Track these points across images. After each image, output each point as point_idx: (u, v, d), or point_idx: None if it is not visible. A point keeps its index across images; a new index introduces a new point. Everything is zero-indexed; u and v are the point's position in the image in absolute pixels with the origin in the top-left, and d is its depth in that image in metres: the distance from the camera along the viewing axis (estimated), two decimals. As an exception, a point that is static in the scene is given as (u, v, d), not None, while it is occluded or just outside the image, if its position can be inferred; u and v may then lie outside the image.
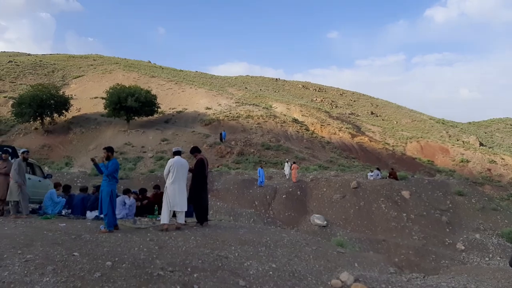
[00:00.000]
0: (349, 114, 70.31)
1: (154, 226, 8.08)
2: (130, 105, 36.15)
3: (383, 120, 74.52)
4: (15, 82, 50.03)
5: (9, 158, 9.29)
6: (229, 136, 37.29)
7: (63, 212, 9.57)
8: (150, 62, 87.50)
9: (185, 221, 8.25)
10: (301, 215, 20.04)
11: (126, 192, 9.94)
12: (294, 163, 25.01)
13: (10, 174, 8.82)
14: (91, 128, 38.55)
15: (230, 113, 44.91)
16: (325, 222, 18.14)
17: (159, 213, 9.66)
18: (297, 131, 44.12)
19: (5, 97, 43.47)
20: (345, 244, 8.72)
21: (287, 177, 24.26)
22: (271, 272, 5.35)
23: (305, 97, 78.79)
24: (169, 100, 48.26)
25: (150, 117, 40.54)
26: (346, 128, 50.64)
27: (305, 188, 22.23)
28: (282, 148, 36.61)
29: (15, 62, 60.40)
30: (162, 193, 10.85)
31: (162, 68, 77.44)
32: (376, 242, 16.46)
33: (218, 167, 29.49)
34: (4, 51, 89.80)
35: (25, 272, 4.39)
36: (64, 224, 7.87)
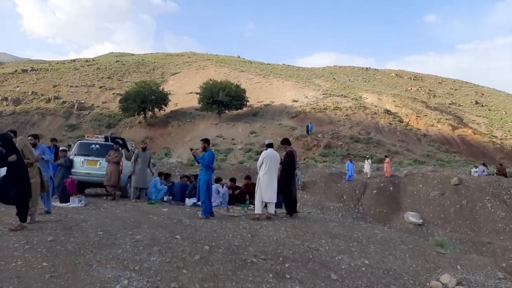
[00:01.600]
0: (449, 104, 64.31)
1: (246, 215, 8.39)
2: (221, 100, 37.79)
3: (489, 110, 66.72)
4: (122, 80, 55.44)
5: (120, 148, 10.38)
6: (316, 128, 36.88)
7: (165, 199, 10.47)
8: (239, 57, 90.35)
9: (275, 212, 8.41)
10: (394, 211, 19.06)
11: (218, 181, 10.48)
12: (386, 156, 23.81)
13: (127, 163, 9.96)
14: (187, 122, 41.20)
15: (317, 105, 44.35)
16: (421, 221, 17.01)
17: (250, 203, 10.01)
18: (390, 123, 41.84)
19: (113, 93, 48.48)
20: (445, 245, 8.06)
21: (368, 176, 23.05)
22: (363, 268, 5.20)
23: (399, 87, 74.09)
24: (257, 94, 49.33)
25: (239, 110, 41.91)
26: (446, 119, 46.48)
27: (399, 184, 21.06)
28: (373, 141, 35.09)
29: (121, 61, 67.04)
30: (253, 183, 11.24)
31: (251, 63, 79.36)
32: (480, 245, 14.96)
33: (304, 159, 29.41)
34: (112, 52, 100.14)
35: (135, 251, 4.89)
36: (167, 209, 8.60)
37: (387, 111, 45.62)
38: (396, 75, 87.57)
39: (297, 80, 59.22)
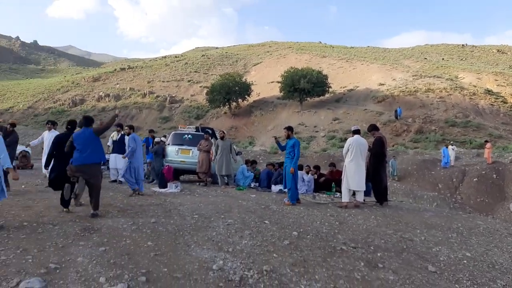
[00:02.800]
0: None
1: (333, 203, 8.27)
2: (303, 87, 37.45)
3: None
4: (208, 73, 57.97)
5: (209, 137, 10.92)
6: (405, 112, 34.66)
7: (252, 185, 10.79)
8: (320, 42, 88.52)
9: (364, 200, 8.15)
10: (497, 201, 17.25)
11: (300, 168, 10.46)
12: (486, 141, 21.52)
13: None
14: (269, 111, 41.72)
15: (407, 87, 41.58)
16: (531, 212, 15.16)
17: (337, 191, 9.84)
18: (491, 104, 37.62)
19: (200, 86, 50.95)
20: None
21: (451, 164, 20.85)
22: (465, 261, 4.80)
23: (501, 64, 66.00)
24: (340, 79, 47.92)
25: (321, 97, 41.14)
26: (559, 98, 40.34)
27: (503, 171, 18.94)
28: (472, 125, 31.91)
29: (206, 55, 70.08)
30: (338, 171, 11.02)
31: (333, 47, 77.25)
32: None
33: (393, 146, 27.93)
34: (198, 47, 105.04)
35: (228, 234, 5.13)
36: (254, 195, 8.86)
37: (488, 91, 41.02)
38: (498, 51, 77.99)
39: (383, 62, 56.15)
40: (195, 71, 58.97)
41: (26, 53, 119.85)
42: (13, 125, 9.17)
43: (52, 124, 10.10)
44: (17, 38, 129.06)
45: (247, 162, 12.27)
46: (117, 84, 53.62)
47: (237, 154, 11.78)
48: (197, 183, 11.17)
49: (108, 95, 47.88)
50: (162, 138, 12.19)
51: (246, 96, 42.67)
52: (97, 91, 50.28)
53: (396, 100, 38.34)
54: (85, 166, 5.96)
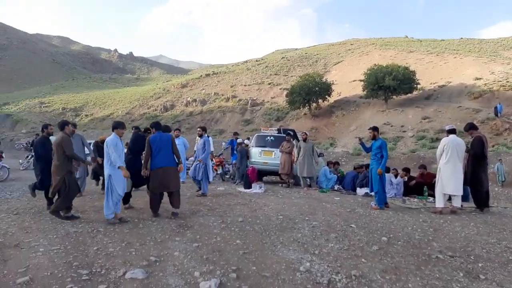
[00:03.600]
0: None
1: (426, 208, 7.75)
2: (388, 84, 35.65)
3: None
4: (287, 75, 58.23)
5: (291, 139, 10.96)
6: (507, 109, 31.05)
7: (335, 187, 10.57)
8: (407, 37, 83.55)
9: (461, 206, 7.50)
10: None
11: (387, 171, 9.94)
12: None
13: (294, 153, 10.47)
14: (351, 110, 40.49)
15: (507, 81, 37.23)
16: None
17: (429, 195, 9.19)
18: None
19: (280, 88, 51.35)
20: None
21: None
22: None
23: None
24: (429, 74, 44.66)
25: (409, 94, 38.73)
26: None
27: None
28: None
29: (286, 57, 70.44)
30: (429, 173, 10.29)
31: (420, 41, 72.36)
32: None
33: (493, 146, 25.22)
34: (278, 50, 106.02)
35: (314, 236, 5.09)
36: (338, 198, 8.67)
37: None
38: None
39: (479, 55, 51.04)
40: (275, 74, 59.66)
41: (123, 64, 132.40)
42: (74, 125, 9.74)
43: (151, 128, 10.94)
44: (115, 50, 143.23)
45: (329, 163, 12.06)
46: (203, 89, 56.52)
47: (319, 156, 11.65)
48: (280, 184, 11.28)
49: (195, 100, 50.70)
50: (246, 141, 12.55)
51: (326, 96, 41.95)
52: (185, 97, 53.56)
53: (495, 96, 34.54)
54: (166, 169, 6.11)
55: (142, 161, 6.53)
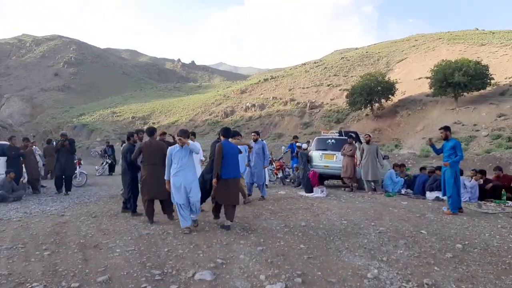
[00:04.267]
0: None
1: (504, 213, 7.13)
2: (458, 81, 33.25)
3: None
4: (347, 75, 56.81)
5: (353, 142, 10.66)
6: None
7: (402, 191, 10.09)
8: (477, 29, 77.61)
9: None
10: None
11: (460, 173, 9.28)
12: None
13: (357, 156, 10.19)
14: (417, 110, 38.42)
15: None
16: None
17: (508, 198, 8.46)
18: None
19: (340, 90, 50.22)
20: None
21: None
22: None
23: None
24: (505, 68, 40.98)
25: (481, 91, 35.78)
26: None
27: None
28: None
29: (345, 57, 68.81)
30: (506, 176, 9.47)
31: (493, 33, 66.76)
32: None
33: None
34: (337, 50, 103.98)
35: (381, 242, 4.91)
36: (406, 203, 8.28)
37: None
38: None
39: None
40: (334, 75, 58.51)
41: (186, 73, 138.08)
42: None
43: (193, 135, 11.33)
44: (179, 60, 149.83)
45: (395, 166, 11.55)
46: (261, 94, 57.11)
47: (383, 158, 11.20)
48: (343, 189, 11.02)
49: (254, 105, 51.37)
50: (304, 145, 12.43)
51: (389, 96, 40.15)
52: (244, 102, 54.50)
53: None
54: (236, 180, 5.95)
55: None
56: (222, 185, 5.69)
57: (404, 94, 43.53)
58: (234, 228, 5.57)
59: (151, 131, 6.53)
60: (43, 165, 11.98)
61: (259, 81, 66.92)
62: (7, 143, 10.28)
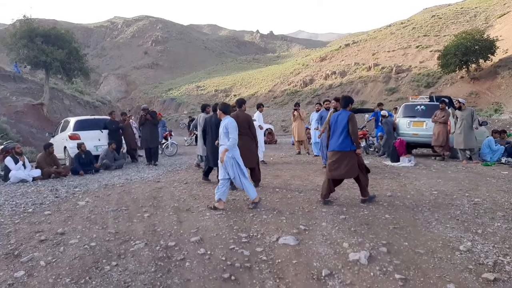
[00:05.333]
0: None
1: None
2: None
3: None
4: (439, 35, 51.73)
5: (446, 107, 9.83)
6: None
7: (503, 160, 9.13)
8: None
9: None
10: None
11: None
12: None
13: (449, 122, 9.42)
14: (523, 69, 33.88)
15: None
16: None
17: None
18: None
19: (430, 51, 46.04)
20: None
21: None
22: None
23: None
24: None
25: None
26: None
27: None
28: None
29: (437, 15, 62.45)
30: None
31: None
32: None
33: None
34: (426, 8, 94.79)
35: (475, 214, 4.57)
36: (507, 172, 7.51)
37: None
38: None
39: None
40: (424, 35, 53.68)
41: (265, 44, 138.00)
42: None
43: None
44: (257, 31, 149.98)
45: (494, 133, 10.43)
46: (342, 60, 54.93)
47: (480, 125, 10.18)
48: (433, 158, 10.32)
49: (334, 73, 49.73)
50: (385, 112, 11.77)
51: (489, 55, 35.83)
52: (324, 70, 53.02)
53: None
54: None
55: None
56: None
57: (507, 52, 38.50)
58: (316, 196, 5.60)
59: (240, 103, 6.69)
60: (139, 136, 13.11)
61: (340, 47, 64.35)
62: (108, 117, 11.44)
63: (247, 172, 5.48)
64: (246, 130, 6.37)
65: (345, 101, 5.36)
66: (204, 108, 8.62)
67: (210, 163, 7.15)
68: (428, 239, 3.75)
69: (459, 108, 9.45)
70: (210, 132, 6.97)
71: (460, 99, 9.85)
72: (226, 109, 5.31)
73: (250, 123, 6.34)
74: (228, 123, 5.09)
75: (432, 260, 3.28)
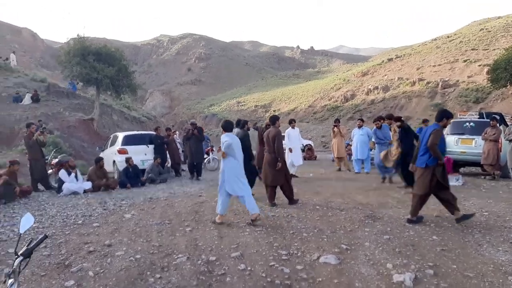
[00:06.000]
0: None
1: None
2: None
3: None
4: (488, 49, 49.48)
5: (497, 124, 9.37)
6: None
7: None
8: None
9: None
10: None
11: None
12: None
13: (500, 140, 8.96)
14: None
15: None
16: None
17: None
18: None
19: (479, 65, 44.10)
20: None
21: None
22: None
23: None
24: None
25: None
26: None
27: None
28: None
29: (486, 29, 59.92)
30: None
31: None
32: None
33: None
34: (475, 21, 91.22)
35: (532, 238, 4.30)
36: None
37: None
38: None
39: None
40: (472, 49, 51.57)
41: (305, 59, 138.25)
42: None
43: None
44: (298, 47, 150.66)
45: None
46: (385, 75, 53.81)
47: (536, 142, 9.56)
48: (483, 177, 9.80)
49: (377, 88, 48.77)
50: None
51: (546, 69, 33.83)
52: (366, 85, 52.15)
53: None
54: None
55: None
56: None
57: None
58: (358, 215, 5.50)
59: (273, 120, 6.73)
60: (183, 151, 13.49)
61: (382, 61, 63.22)
62: (154, 132, 11.90)
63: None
64: (271, 147, 6.41)
65: (440, 115, 5.12)
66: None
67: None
68: (479, 262, 3.58)
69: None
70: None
71: None
72: (226, 126, 5.53)
73: (277, 138, 6.34)
74: (222, 140, 5.38)
75: (482, 284, 3.13)
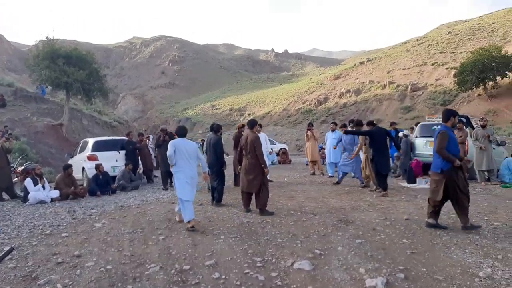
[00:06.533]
0: None
1: None
2: None
3: None
4: (455, 52, 51.32)
5: (464, 127, 9.70)
6: None
7: (523, 182, 8.90)
8: None
9: None
10: None
11: None
12: None
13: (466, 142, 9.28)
14: (542, 86, 33.28)
15: None
16: None
17: None
18: None
19: (446, 68, 45.69)
20: None
21: None
22: None
23: None
24: None
25: None
26: None
27: None
28: None
29: (453, 32, 62.11)
30: None
31: None
32: None
33: None
34: (443, 24, 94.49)
35: (495, 238, 4.50)
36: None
37: None
38: None
39: None
40: (440, 52, 53.38)
41: (279, 62, 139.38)
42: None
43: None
44: (272, 50, 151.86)
45: (515, 153, 10.22)
46: (357, 78, 54.94)
47: (499, 144, 9.99)
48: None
49: (349, 91, 49.73)
50: (405, 132, 11.69)
51: (507, 72, 35.43)
52: (338, 88, 53.10)
53: None
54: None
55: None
56: None
57: (528, 69, 37.87)
58: (331, 219, 5.56)
59: (252, 124, 6.61)
60: (155, 157, 13.27)
61: (354, 64, 64.51)
62: (126, 138, 11.65)
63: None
64: (252, 152, 6.30)
65: (446, 115, 5.03)
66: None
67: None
68: (447, 264, 3.68)
69: (483, 127, 9.26)
70: (209, 152, 7.41)
71: (485, 117, 9.70)
72: (179, 132, 5.85)
73: (256, 144, 6.29)
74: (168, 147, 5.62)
75: (451, 287, 3.21)
